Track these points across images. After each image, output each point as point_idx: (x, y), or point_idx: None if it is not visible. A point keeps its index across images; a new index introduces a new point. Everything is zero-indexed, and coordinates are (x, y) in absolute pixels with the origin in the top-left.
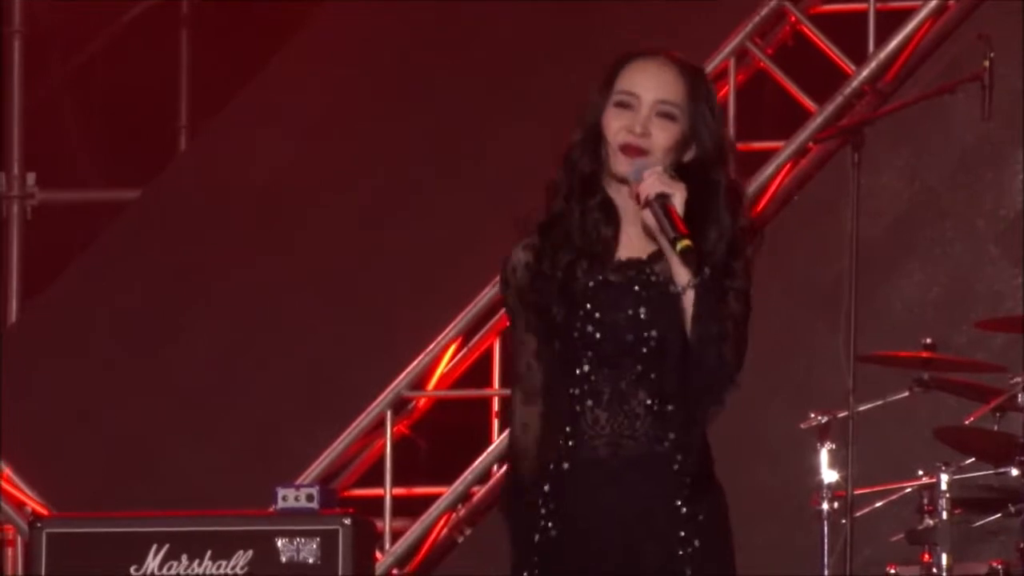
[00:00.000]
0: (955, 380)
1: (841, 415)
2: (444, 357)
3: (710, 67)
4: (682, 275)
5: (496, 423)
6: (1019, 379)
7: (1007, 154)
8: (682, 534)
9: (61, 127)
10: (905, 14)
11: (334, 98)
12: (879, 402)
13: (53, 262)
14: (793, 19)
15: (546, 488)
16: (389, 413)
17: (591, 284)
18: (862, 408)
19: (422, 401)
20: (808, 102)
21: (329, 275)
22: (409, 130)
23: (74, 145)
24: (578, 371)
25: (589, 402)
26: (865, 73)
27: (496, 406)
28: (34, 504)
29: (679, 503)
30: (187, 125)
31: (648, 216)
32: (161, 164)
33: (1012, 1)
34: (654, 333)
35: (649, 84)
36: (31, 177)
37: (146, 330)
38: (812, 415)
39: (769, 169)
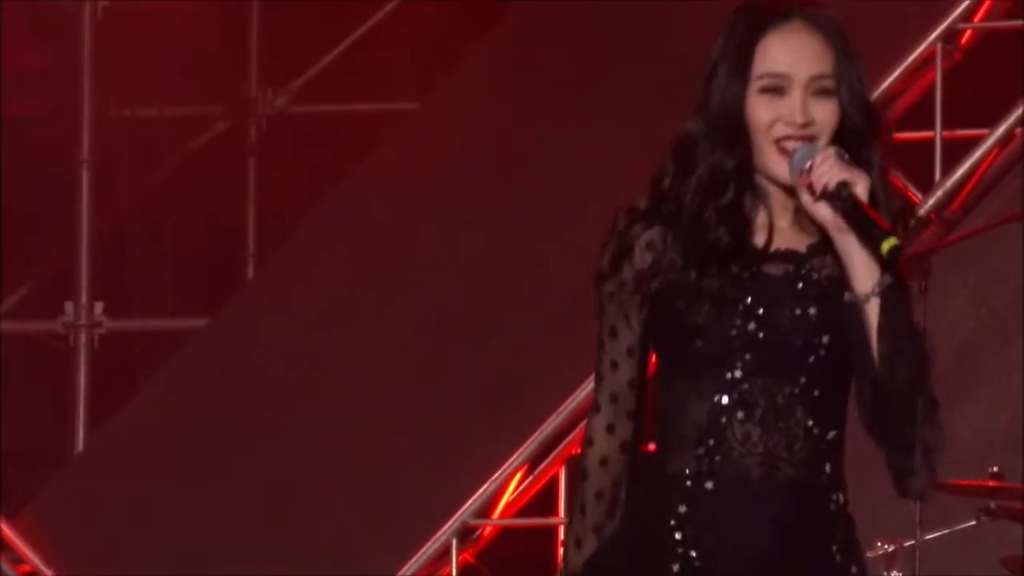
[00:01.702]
0: (1021, 509)
1: (908, 544)
2: (510, 485)
3: None
4: (865, 280)
5: (562, 552)
6: None
7: None
8: None
9: (129, 256)
10: (971, 142)
11: (398, 221)
12: (946, 531)
13: (119, 390)
14: None
15: (682, 509)
16: (455, 542)
17: (746, 276)
18: (929, 537)
19: (487, 529)
20: None
21: (392, 402)
22: (472, 248)
23: (142, 274)
24: (728, 375)
25: (740, 414)
26: (931, 201)
27: (562, 535)
28: None
29: (835, 548)
30: (254, 253)
31: (823, 209)
32: (228, 292)
33: None
34: (825, 340)
35: (798, 58)
36: (99, 306)
37: (211, 457)
38: (879, 543)
39: None
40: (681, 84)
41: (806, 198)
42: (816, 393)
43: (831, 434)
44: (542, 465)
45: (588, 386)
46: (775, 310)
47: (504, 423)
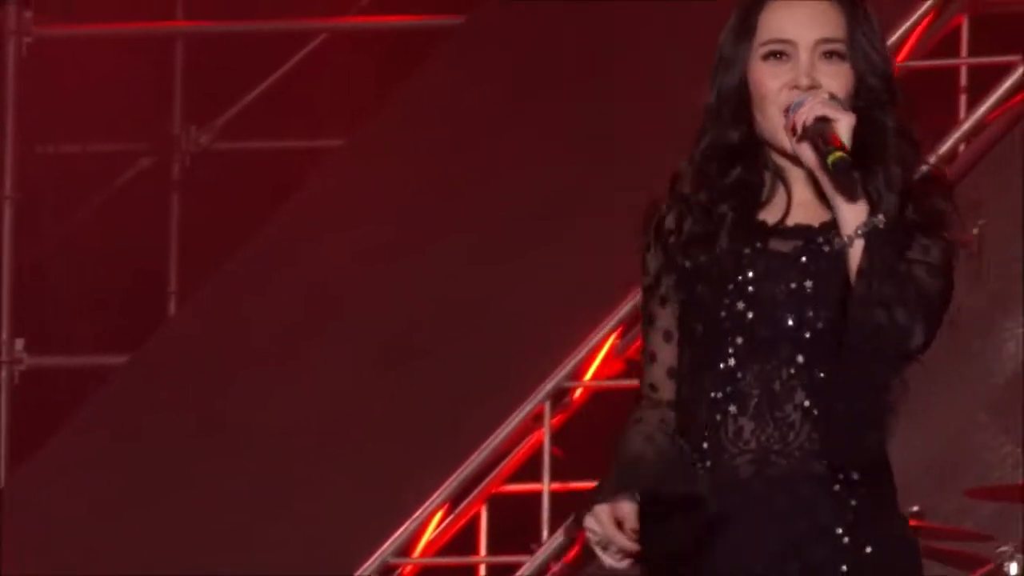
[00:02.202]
0: (942, 548)
1: None
2: (430, 523)
3: None
4: (850, 222)
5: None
6: (1006, 548)
7: (997, 320)
8: (844, 569)
9: (50, 292)
10: None
11: (322, 266)
12: None
13: (41, 427)
14: None
15: None
16: None
17: (747, 251)
18: None
19: (408, 568)
20: None
21: (311, 440)
22: (403, 284)
23: (64, 310)
24: (722, 366)
25: (732, 408)
26: None
27: (482, 573)
28: None
29: (840, 531)
30: (176, 290)
31: (805, 150)
32: (149, 330)
33: (1008, 171)
34: (822, 313)
35: (804, 22)
36: (19, 343)
37: (132, 496)
38: None
39: None
40: (614, 106)
41: (792, 142)
42: (817, 372)
43: None
44: (463, 504)
45: (511, 425)
46: (770, 287)
47: (425, 461)
